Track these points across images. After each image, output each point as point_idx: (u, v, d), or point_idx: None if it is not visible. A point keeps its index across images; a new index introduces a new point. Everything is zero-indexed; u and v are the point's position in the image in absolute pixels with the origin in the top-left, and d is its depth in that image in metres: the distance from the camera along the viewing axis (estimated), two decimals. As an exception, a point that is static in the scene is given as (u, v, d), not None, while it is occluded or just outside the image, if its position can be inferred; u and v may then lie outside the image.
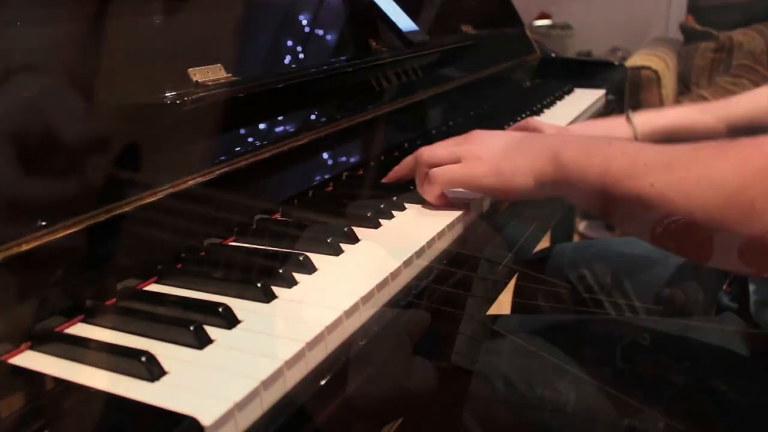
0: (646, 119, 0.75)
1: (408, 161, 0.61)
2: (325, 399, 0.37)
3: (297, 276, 0.44)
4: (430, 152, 0.57)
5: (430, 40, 0.85)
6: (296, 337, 0.37)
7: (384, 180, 0.64)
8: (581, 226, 2.04)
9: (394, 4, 0.84)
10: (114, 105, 0.48)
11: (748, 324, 0.57)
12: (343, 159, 0.69)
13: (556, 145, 0.50)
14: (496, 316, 0.65)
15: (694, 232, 0.41)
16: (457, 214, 0.56)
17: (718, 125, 0.73)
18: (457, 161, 0.55)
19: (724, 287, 0.65)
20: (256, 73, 0.63)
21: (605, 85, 1.22)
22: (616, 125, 0.74)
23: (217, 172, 0.52)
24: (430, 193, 0.56)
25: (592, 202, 0.49)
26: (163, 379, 0.34)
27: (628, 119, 0.74)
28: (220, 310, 0.39)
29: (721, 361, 0.53)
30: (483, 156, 0.54)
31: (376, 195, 0.60)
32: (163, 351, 0.36)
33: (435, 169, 0.55)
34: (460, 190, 0.57)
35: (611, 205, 0.46)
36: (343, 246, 0.49)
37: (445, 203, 0.57)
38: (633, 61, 1.98)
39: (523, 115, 0.92)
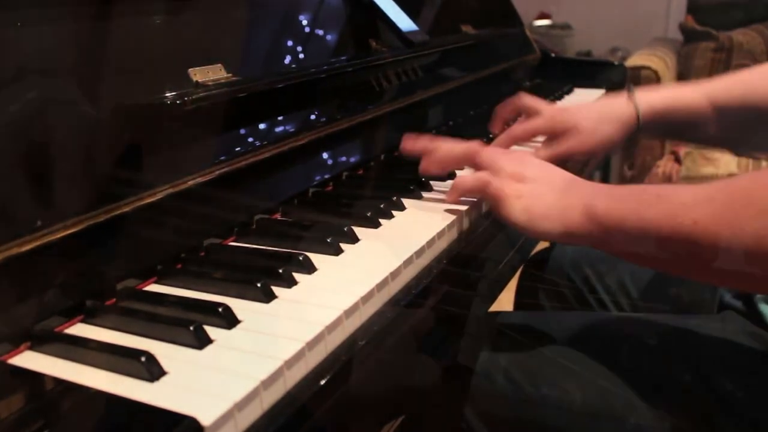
0: (647, 98, 0.72)
1: (459, 155, 0.59)
2: (325, 398, 0.37)
3: (297, 276, 0.44)
4: (493, 161, 0.55)
5: (430, 40, 0.85)
6: (296, 337, 0.37)
7: (424, 163, 0.61)
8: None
9: (394, 4, 0.84)
10: (114, 105, 0.48)
11: (752, 322, 0.56)
12: (343, 159, 0.69)
13: (588, 196, 0.48)
14: (498, 314, 0.65)
15: (746, 261, 0.39)
16: (457, 213, 0.56)
17: (710, 107, 0.70)
18: (519, 181, 0.52)
19: (726, 286, 0.65)
20: (257, 73, 0.63)
21: (605, 85, 1.22)
22: (617, 104, 0.71)
23: (217, 172, 0.52)
24: (462, 193, 0.57)
25: (634, 251, 0.47)
26: (163, 379, 0.34)
27: (630, 97, 0.71)
28: (220, 310, 0.39)
29: (725, 359, 0.53)
30: (543, 194, 0.51)
31: (376, 195, 0.60)
32: (163, 351, 0.36)
33: (503, 185, 0.52)
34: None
35: (654, 250, 0.44)
36: (343, 246, 0.49)
37: (457, 201, 0.57)
38: (633, 61, 1.98)
39: (523, 115, 0.91)
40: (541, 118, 0.71)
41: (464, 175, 0.58)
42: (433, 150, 0.60)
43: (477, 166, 0.57)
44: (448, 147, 0.60)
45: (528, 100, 0.74)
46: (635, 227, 0.45)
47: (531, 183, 0.52)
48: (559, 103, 1.11)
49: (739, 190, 0.41)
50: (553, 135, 0.70)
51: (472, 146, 0.58)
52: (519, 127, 0.71)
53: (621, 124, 0.70)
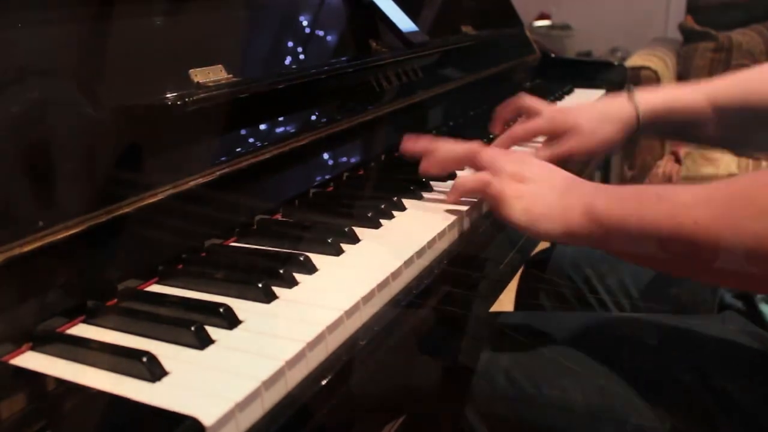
0: (647, 98, 0.72)
1: (461, 155, 0.59)
2: (326, 399, 0.37)
3: (298, 276, 0.44)
4: (493, 160, 0.55)
5: (430, 41, 0.85)
6: (297, 338, 0.37)
7: (424, 165, 0.61)
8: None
9: (394, 5, 0.84)
10: (115, 106, 0.48)
11: (752, 322, 0.56)
12: (344, 159, 0.69)
13: (588, 196, 0.49)
14: (498, 315, 0.65)
15: (747, 261, 0.39)
16: (457, 214, 0.56)
17: (710, 108, 0.70)
18: (520, 181, 0.53)
19: (726, 286, 0.65)
20: (257, 74, 0.63)
21: (605, 85, 1.22)
22: (617, 105, 0.71)
23: (218, 173, 0.52)
24: (463, 193, 0.57)
25: (634, 251, 0.47)
26: (165, 379, 0.34)
27: (630, 97, 0.71)
28: (221, 310, 0.39)
29: (726, 359, 0.53)
30: (537, 194, 0.51)
31: (377, 195, 0.60)
32: (164, 351, 0.36)
33: (504, 185, 0.52)
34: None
35: (654, 250, 0.45)
36: (344, 246, 0.49)
37: (457, 201, 0.57)
38: (632, 62, 1.98)
39: (524, 116, 0.91)
40: (542, 118, 0.71)
41: (465, 175, 0.58)
42: (433, 151, 0.60)
43: (477, 167, 0.57)
44: (448, 148, 0.60)
45: (528, 100, 0.74)
46: (635, 227, 0.45)
47: (531, 183, 0.52)
48: (560, 104, 1.11)
49: (739, 190, 0.41)
50: (554, 135, 0.70)
51: (472, 147, 0.58)
52: (519, 128, 0.71)
53: (621, 125, 0.70)
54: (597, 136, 0.69)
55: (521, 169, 0.53)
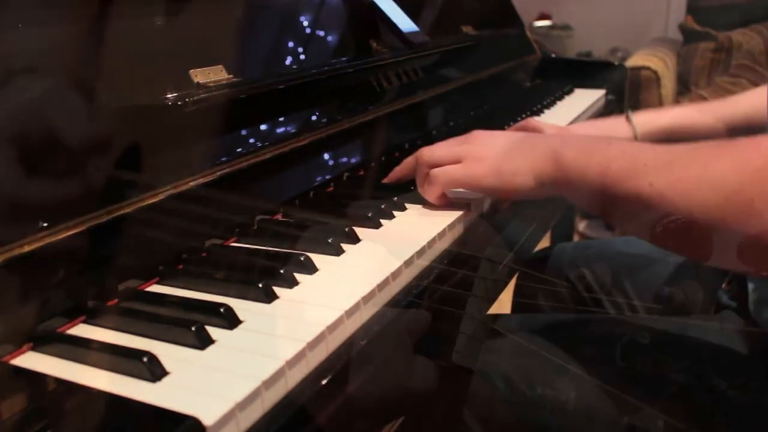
0: (646, 119, 0.75)
1: (408, 162, 0.61)
2: (326, 399, 0.37)
3: (298, 276, 0.45)
4: (430, 152, 0.57)
5: (430, 41, 0.85)
6: (297, 337, 0.37)
7: (385, 180, 0.64)
8: (581, 225, 2.04)
9: (395, 5, 0.84)
10: (115, 106, 0.48)
11: (747, 322, 0.57)
12: (344, 159, 0.69)
13: (556, 145, 0.51)
14: (497, 316, 0.65)
15: (694, 231, 0.41)
16: (457, 214, 0.56)
17: (717, 125, 0.73)
18: (457, 161, 0.55)
19: (724, 286, 0.65)
20: (257, 74, 0.63)
21: (605, 85, 1.22)
22: (615, 125, 0.74)
23: (219, 173, 0.52)
24: (430, 194, 0.56)
25: (592, 202, 0.49)
26: (165, 379, 0.34)
27: (628, 119, 0.74)
28: (222, 310, 0.39)
29: (721, 359, 0.53)
30: (483, 156, 0.54)
31: (377, 195, 0.60)
32: (164, 351, 0.36)
33: (435, 170, 0.55)
34: (461, 190, 0.57)
35: (611, 204, 0.46)
36: (344, 246, 0.49)
37: (446, 203, 0.57)
38: (633, 62, 1.98)
39: (524, 116, 0.92)
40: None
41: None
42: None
43: (422, 166, 0.57)
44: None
45: (533, 122, 0.76)
46: (596, 179, 0.46)
47: (486, 147, 0.54)
48: (560, 104, 1.11)
49: (698, 161, 0.42)
50: None
51: (417, 152, 0.59)
52: None
53: None
54: None
55: (469, 143, 0.56)
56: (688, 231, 0.41)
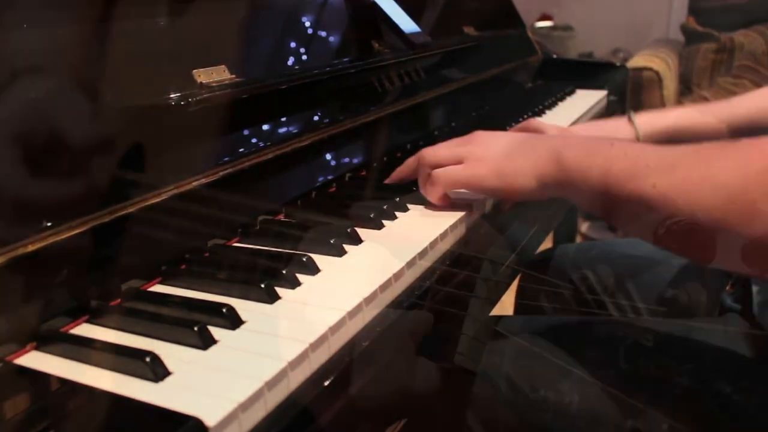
0: (648, 120, 0.75)
1: (410, 162, 0.61)
2: (328, 400, 0.37)
3: (300, 277, 0.45)
4: (432, 153, 0.57)
5: (432, 42, 0.85)
6: (300, 338, 0.37)
7: (387, 181, 0.64)
8: (584, 227, 2.04)
9: (397, 5, 0.84)
10: (119, 106, 0.48)
11: (752, 325, 0.57)
12: (346, 160, 0.69)
13: (558, 145, 0.51)
14: (499, 317, 0.65)
15: (697, 232, 0.41)
16: (459, 214, 0.56)
17: (719, 126, 0.73)
18: (459, 162, 0.55)
19: (727, 288, 0.65)
20: (260, 74, 0.63)
21: (607, 86, 1.22)
22: (617, 126, 0.74)
23: (221, 173, 0.52)
24: (432, 194, 0.56)
25: (594, 203, 0.49)
26: (168, 379, 0.34)
27: (630, 120, 0.74)
28: (224, 310, 0.39)
29: (725, 362, 0.53)
30: (485, 157, 0.54)
31: (379, 196, 0.60)
32: (167, 351, 0.36)
33: (437, 170, 0.55)
34: (463, 190, 0.57)
35: (613, 206, 0.46)
36: (346, 247, 0.49)
37: (448, 204, 0.57)
38: (634, 62, 1.98)
39: (525, 116, 0.92)
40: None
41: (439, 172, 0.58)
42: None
43: (423, 167, 0.57)
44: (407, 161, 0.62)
45: (535, 123, 0.76)
46: (599, 182, 0.46)
47: (488, 147, 0.54)
48: (561, 104, 1.11)
49: (701, 162, 0.41)
50: None
51: (418, 153, 0.59)
52: None
53: None
54: None
55: (471, 144, 0.56)
56: (691, 233, 0.41)
